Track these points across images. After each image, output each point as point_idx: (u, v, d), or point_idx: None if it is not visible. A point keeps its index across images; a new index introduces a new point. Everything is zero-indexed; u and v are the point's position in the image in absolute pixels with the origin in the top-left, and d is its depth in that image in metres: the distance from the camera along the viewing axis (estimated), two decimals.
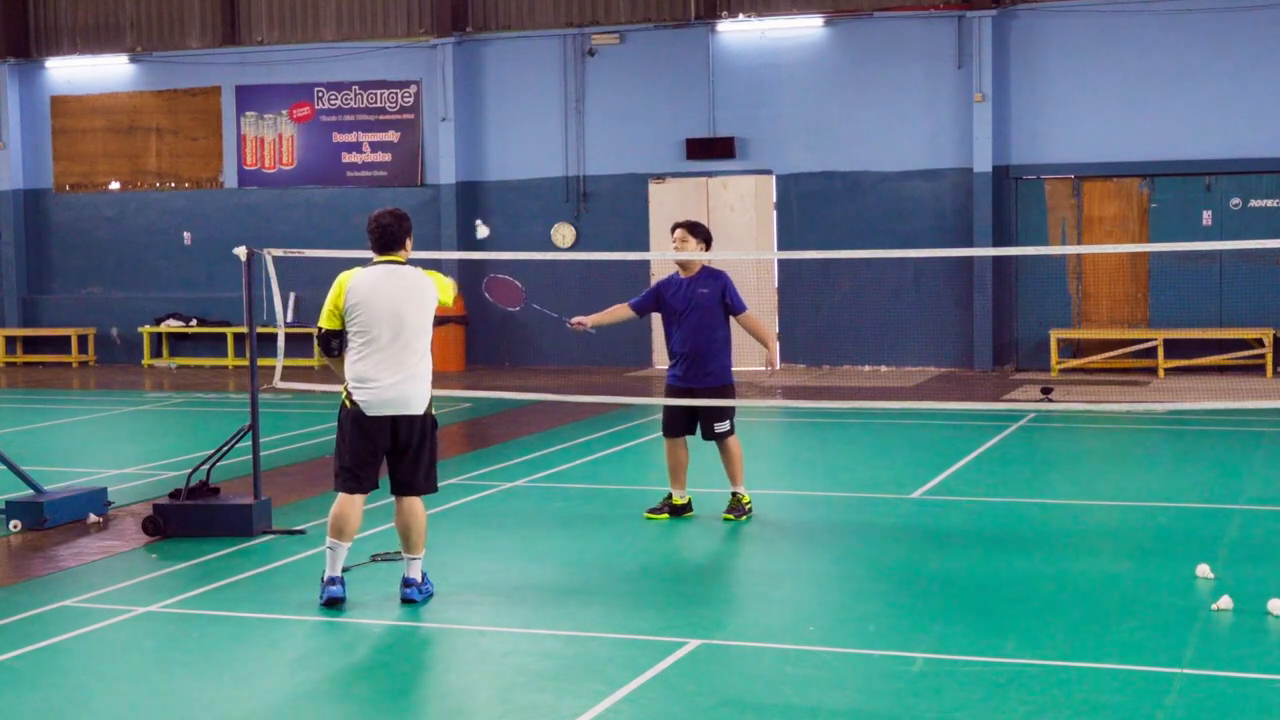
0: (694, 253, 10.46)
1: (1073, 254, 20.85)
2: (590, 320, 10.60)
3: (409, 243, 8.34)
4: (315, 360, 21.82)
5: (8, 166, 25.42)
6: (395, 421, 8.14)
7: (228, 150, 24.60)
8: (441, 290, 8.35)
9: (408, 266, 8.31)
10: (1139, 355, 20.44)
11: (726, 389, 10.48)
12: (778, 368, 10.93)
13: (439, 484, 8.57)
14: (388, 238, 8.27)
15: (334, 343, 8.28)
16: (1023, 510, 10.93)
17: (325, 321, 8.28)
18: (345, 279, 8.22)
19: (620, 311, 10.76)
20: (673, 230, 10.59)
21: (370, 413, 8.11)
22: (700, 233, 10.54)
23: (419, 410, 8.17)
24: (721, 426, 10.42)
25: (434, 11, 23.24)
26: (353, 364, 8.19)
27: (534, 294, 11.11)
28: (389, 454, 8.23)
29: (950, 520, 10.51)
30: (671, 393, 10.52)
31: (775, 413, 16.77)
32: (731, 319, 10.51)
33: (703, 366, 10.39)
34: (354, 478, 8.19)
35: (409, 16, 23.62)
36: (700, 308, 10.35)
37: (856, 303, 21.59)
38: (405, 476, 8.24)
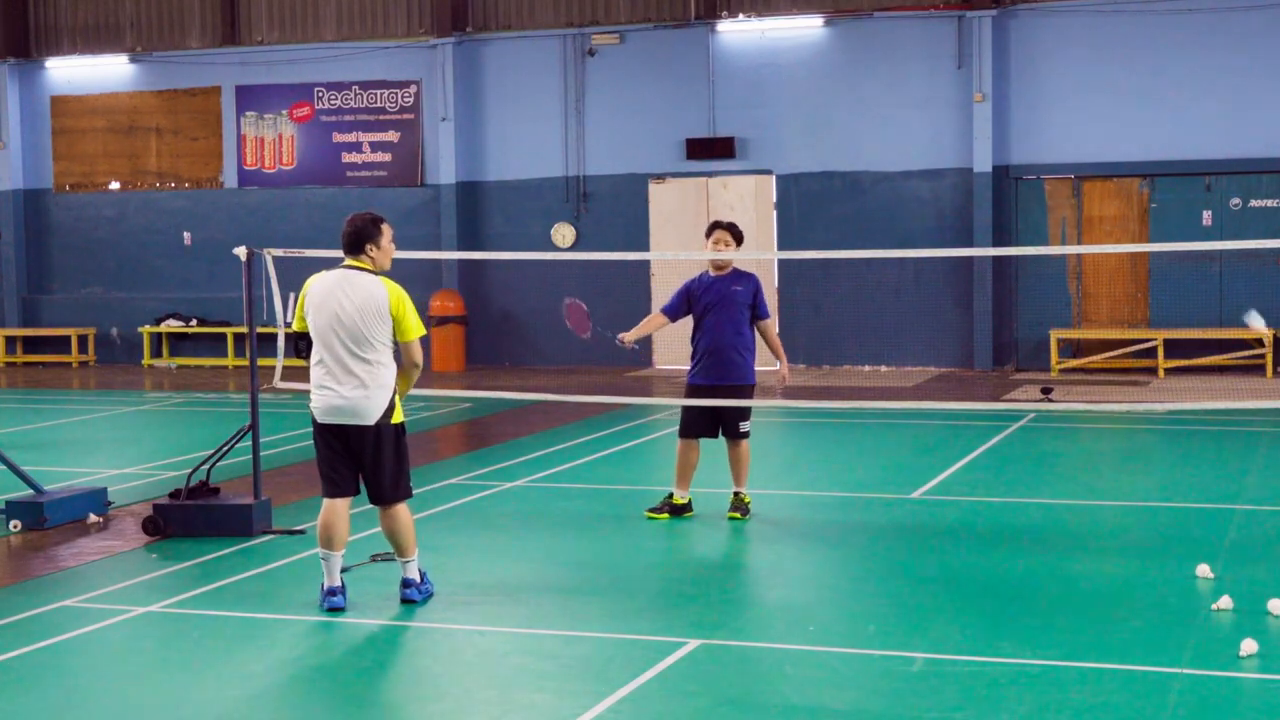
0: (727, 252, 10.47)
1: (1073, 254, 20.85)
2: (630, 335, 10.63)
3: (373, 248, 8.08)
4: None
5: (8, 166, 25.43)
6: (345, 430, 8.05)
7: (228, 150, 24.60)
8: (398, 308, 8.01)
9: (365, 273, 8.06)
10: (1139, 355, 20.44)
11: (749, 389, 10.50)
12: (789, 381, 10.92)
13: (414, 489, 8.43)
14: (350, 241, 8.13)
15: (301, 344, 8.27)
16: (1023, 510, 10.92)
17: (294, 323, 8.29)
18: (308, 283, 8.18)
19: (655, 321, 10.82)
20: (710, 231, 10.56)
21: (320, 419, 8.07)
22: (737, 234, 10.59)
23: (369, 421, 8.01)
24: (745, 425, 10.45)
25: (434, 11, 23.24)
26: (310, 368, 8.17)
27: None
28: (355, 461, 8.18)
29: (950, 520, 10.51)
30: (693, 393, 10.49)
31: (775, 413, 16.76)
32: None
33: (728, 364, 10.39)
34: (329, 481, 8.15)
35: (409, 16, 23.62)
36: (731, 305, 10.37)
37: (856, 303, 21.59)
38: (372, 487, 8.18)
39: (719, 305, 10.39)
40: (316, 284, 8.13)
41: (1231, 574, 8.50)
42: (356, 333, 7.97)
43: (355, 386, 7.99)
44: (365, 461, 8.11)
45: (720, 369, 10.42)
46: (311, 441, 8.31)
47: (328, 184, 23.96)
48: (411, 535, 8.25)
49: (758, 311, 10.47)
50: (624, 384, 20.16)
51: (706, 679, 6.85)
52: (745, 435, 10.47)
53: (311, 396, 8.12)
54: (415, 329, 8.14)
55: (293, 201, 24.20)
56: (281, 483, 12.03)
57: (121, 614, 8.16)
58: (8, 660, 7.30)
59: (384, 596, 8.36)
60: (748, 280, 10.51)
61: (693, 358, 10.62)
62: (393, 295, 8.05)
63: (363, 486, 8.27)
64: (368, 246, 8.13)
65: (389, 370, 8.09)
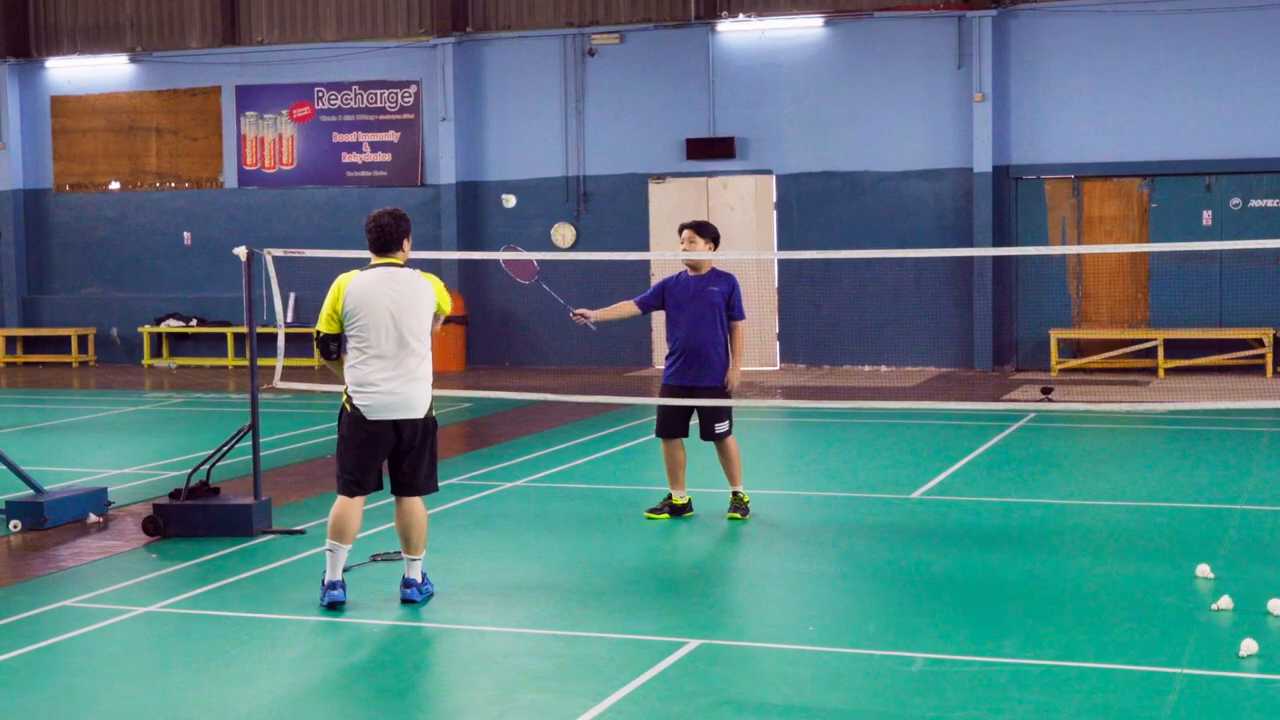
0: (702, 252, 10.47)
1: (1073, 254, 20.85)
2: (594, 315, 10.62)
3: (407, 244, 8.31)
4: (315, 360, 21.77)
5: (8, 166, 25.42)
6: (397, 425, 8.14)
7: (228, 150, 24.60)
8: (440, 297, 8.34)
9: (405, 269, 8.26)
10: (1139, 355, 20.44)
11: (725, 389, 10.48)
12: (736, 387, 10.70)
13: (440, 484, 8.57)
14: (386, 239, 8.24)
15: (332, 346, 8.28)
16: (1023, 510, 10.92)
17: (323, 325, 8.26)
18: (343, 282, 8.21)
19: (625, 308, 10.77)
20: (680, 231, 10.60)
21: (371, 417, 8.11)
22: (708, 232, 10.57)
23: (420, 414, 8.16)
24: (721, 427, 10.42)
25: (434, 11, 23.24)
26: (352, 368, 8.18)
27: (539, 292, 11.13)
28: (391, 455, 8.23)
29: (950, 520, 10.51)
30: (669, 392, 10.49)
31: (775, 413, 16.77)
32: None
33: (704, 364, 10.38)
34: (355, 481, 8.19)
35: (409, 16, 23.62)
36: (707, 305, 10.35)
37: (856, 303, 21.59)
38: (407, 477, 8.25)
39: (692, 305, 10.38)
40: (356, 285, 8.16)
41: (1231, 574, 8.50)
42: (409, 327, 8.12)
43: (408, 380, 8.12)
44: (411, 454, 8.19)
45: (695, 370, 10.41)
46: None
47: (328, 184, 23.96)
48: (425, 533, 8.32)
49: (733, 311, 10.45)
50: (624, 384, 20.16)
51: (706, 679, 6.85)
52: (725, 435, 10.45)
53: (356, 396, 8.13)
54: (449, 305, 8.52)
55: (293, 201, 24.20)
56: (281, 483, 12.03)
57: (121, 614, 8.16)
58: (8, 660, 7.30)
59: (384, 596, 8.36)
60: (724, 280, 10.48)
61: (668, 357, 10.62)
62: (436, 287, 8.33)
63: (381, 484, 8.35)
64: (404, 242, 8.30)
65: (430, 362, 8.29)
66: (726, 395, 10.47)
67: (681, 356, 10.45)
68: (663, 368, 10.80)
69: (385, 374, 8.09)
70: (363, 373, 8.13)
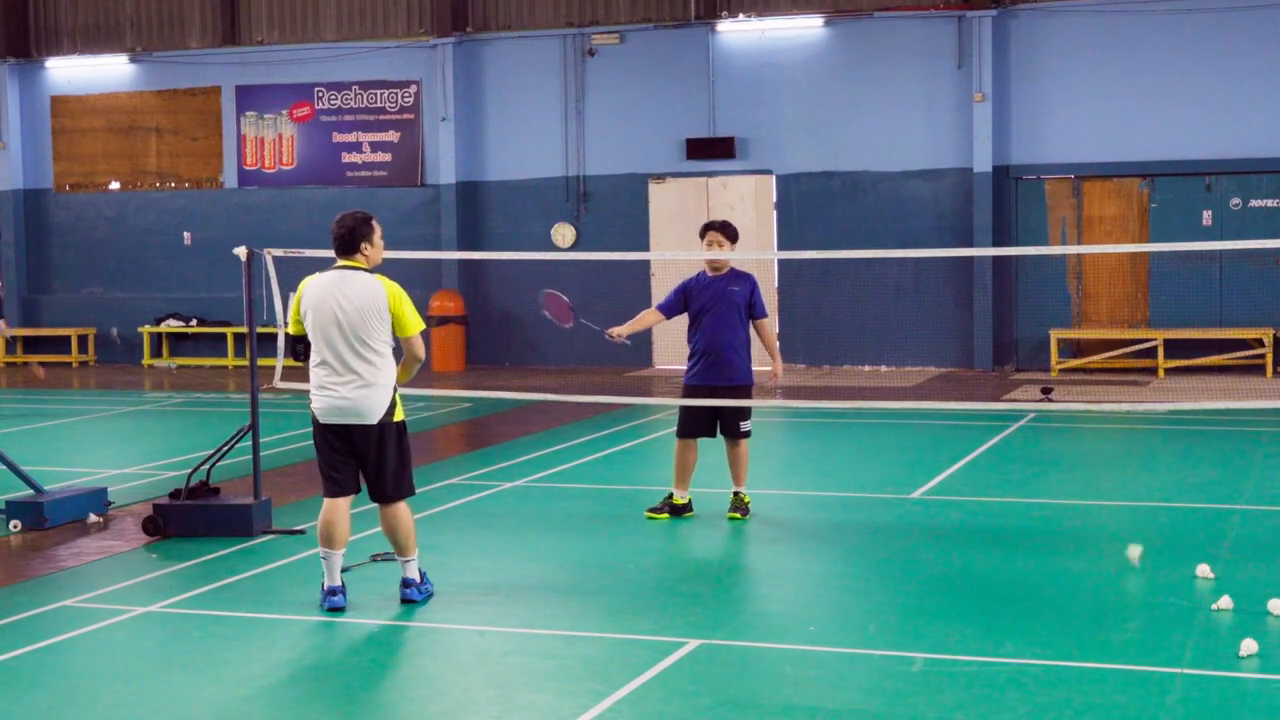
0: (721, 252, 10.49)
1: (1073, 254, 20.86)
2: (623, 330, 10.62)
3: (368, 247, 8.15)
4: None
5: (8, 166, 25.42)
6: (348, 430, 8.09)
7: (228, 150, 24.60)
8: (395, 303, 8.08)
9: (361, 273, 8.13)
10: (1139, 355, 20.44)
11: (747, 388, 10.51)
12: (781, 380, 10.83)
13: (416, 488, 8.46)
14: (344, 241, 8.16)
15: (299, 347, 8.31)
16: (1023, 510, 10.92)
17: (290, 327, 8.31)
18: (302, 285, 8.21)
19: (650, 317, 10.80)
20: (704, 233, 10.58)
21: (323, 419, 8.10)
22: (730, 232, 10.60)
23: (372, 419, 8.06)
24: (745, 425, 10.47)
25: (434, 11, 23.24)
26: (311, 370, 8.20)
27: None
28: (358, 462, 8.20)
29: (950, 520, 10.51)
30: (691, 393, 10.50)
31: (775, 413, 16.76)
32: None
33: (726, 364, 10.41)
34: (331, 481, 8.18)
35: (409, 16, 23.62)
36: (728, 305, 10.38)
37: (856, 303, 21.59)
38: (376, 483, 8.21)
39: (715, 306, 10.40)
40: (311, 286, 8.16)
41: (1231, 574, 8.50)
42: (357, 332, 8.02)
43: (358, 385, 8.03)
44: (369, 460, 8.14)
45: (717, 370, 10.43)
46: (311, 442, 8.32)
47: (328, 184, 23.95)
48: (412, 534, 8.27)
49: (754, 310, 10.49)
50: (624, 384, 20.15)
51: (706, 679, 6.86)
52: (746, 435, 10.49)
53: (312, 397, 8.14)
54: (415, 324, 8.23)
55: (293, 201, 24.19)
56: (281, 483, 12.03)
57: (121, 614, 8.16)
58: (8, 660, 7.31)
59: (384, 596, 8.36)
60: (744, 280, 10.52)
61: (690, 358, 10.63)
62: (391, 293, 8.13)
63: (364, 485, 8.30)
64: (363, 245, 8.19)
65: (390, 368, 8.15)
66: (749, 394, 10.51)
67: (703, 357, 10.47)
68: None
69: (334, 378, 8.05)
70: (318, 375, 8.13)
